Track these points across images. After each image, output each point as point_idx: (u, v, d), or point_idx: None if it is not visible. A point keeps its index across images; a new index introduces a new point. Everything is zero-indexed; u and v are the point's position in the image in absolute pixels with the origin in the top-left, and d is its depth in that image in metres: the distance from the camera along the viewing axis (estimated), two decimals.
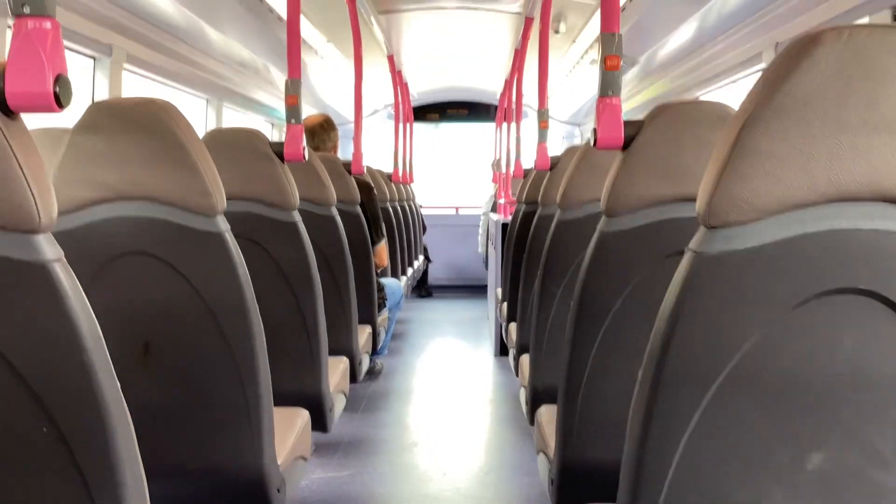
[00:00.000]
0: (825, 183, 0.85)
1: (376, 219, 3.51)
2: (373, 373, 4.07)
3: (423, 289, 7.41)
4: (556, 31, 4.50)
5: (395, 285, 4.14)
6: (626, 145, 1.43)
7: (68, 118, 1.42)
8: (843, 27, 0.83)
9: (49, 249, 0.85)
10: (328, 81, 5.88)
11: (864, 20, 2.29)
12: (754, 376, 0.89)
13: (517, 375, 2.80)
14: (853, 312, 0.87)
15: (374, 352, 3.56)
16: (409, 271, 5.55)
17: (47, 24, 0.85)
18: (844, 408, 0.89)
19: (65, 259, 0.86)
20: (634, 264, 1.46)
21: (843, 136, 0.83)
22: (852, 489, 0.91)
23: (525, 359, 2.55)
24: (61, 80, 0.85)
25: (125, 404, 0.90)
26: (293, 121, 2.21)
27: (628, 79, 4.95)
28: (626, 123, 1.43)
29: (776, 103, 0.84)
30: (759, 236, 0.87)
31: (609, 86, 1.55)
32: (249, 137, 2.01)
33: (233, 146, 1.99)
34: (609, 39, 1.57)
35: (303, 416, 1.95)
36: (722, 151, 0.87)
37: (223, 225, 1.45)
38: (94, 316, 0.87)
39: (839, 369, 0.89)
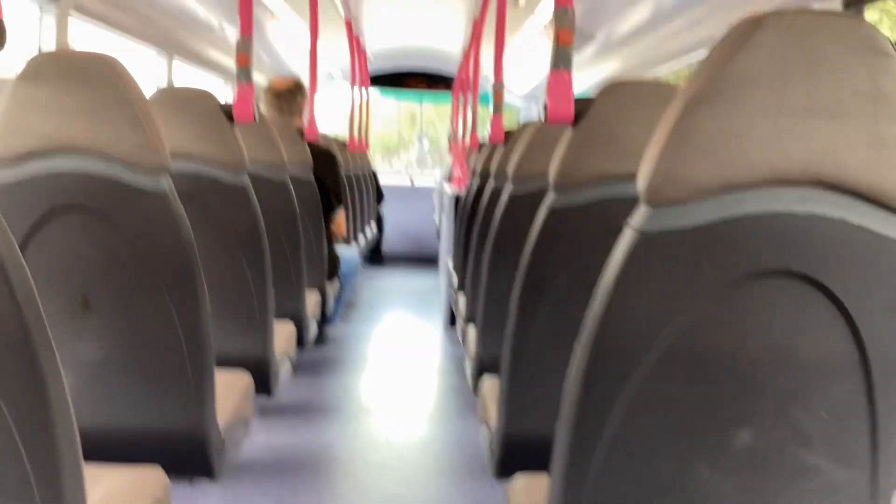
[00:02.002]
0: (763, 165, 0.86)
1: (337, 187, 3.48)
2: (322, 340, 4.06)
3: (375, 256, 7.39)
4: (516, 4, 4.48)
5: (351, 255, 4.13)
6: (577, 120, 1.44)
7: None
8: (785, 12, 0.84)
9: None
10: (285, 44, 5.77)
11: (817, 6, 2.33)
12: (686, 354, 0.91)
13: (464, 346, 2.82)
14: (785, 295, 0.90)
15: (326, 319, 3.54)
16: (361, 238, 5.53)
17: None
18: (772, 388, 0.92)
19: None
20: (580, 240, 1.48)
21: (781, 119, 0.85)
22: (776, 466, 0.94)
23: (472, 330, 2.57)
24: None
25: (59, 361, 0.89)
26: (244, 80, 2.17)
27: (585, 55, 4.96)
28: (577, 99, 1.44)
29: (717, 84, 0.85)
30: (696, 216, 0.88)
31: (561, 60, 1.56)
32: (198, 97, 1.97)
33: (181, 105, 1.95)
34: (562, 14, 1.58)
35: (245, 378, 1.94)
36: (663, 130, 0.89)
37: (167, 183, 1.43)
38: (27, 269, 0.85)
39: (769, 350, 0.91)
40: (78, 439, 0.93)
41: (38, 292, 0.87)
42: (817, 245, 0.88)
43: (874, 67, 0.84)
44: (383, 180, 7.60)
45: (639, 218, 0.91)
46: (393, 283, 6.45)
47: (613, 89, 1.42)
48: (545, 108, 1.50)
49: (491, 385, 1.95)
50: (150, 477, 1.30)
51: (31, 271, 0.87)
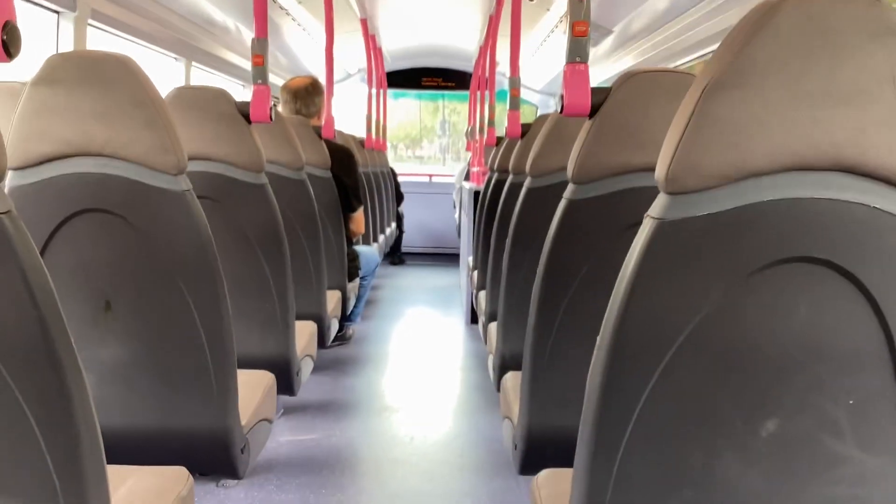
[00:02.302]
0: (783, 151, 0.85)
1: (356, 185, 3.48)
2: (344, 339, 4.07)
3: (395, 256, 7.40)
4: None
5: (371, 253, 4.13)
6: (594, 112, 1.43)
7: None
8: None
9: None
10: (301, 44, 5.79)
11: None
12: (710, 342, 0.90)
13: (486, 343, 2.82)
14: (809, 281, 0.88)
15: (346, 318, 3.54)
16: (381, 238, 5.54)
17: None
18: (798, 375, 0.90)
19: (15, 212, 0.84)
20: (600, 232, 1.47)
21: (801, 104, 0.84)
22: (805, 456, 0.93)
23: (494, 326, 2.56)
24: (9, 28, 0.82)
25: (80, 361, 0.89)
26: (259, 81, 2.18)
27: (603, 50, 4.93)
28: (594, 90, 1.42)
29: (736, 70, 0.84)
30: (718, 203, 0.87)
31: (577, 52, 1.55)
32: (214, 97, 1.98)
33: (197, 105, 1.96)
34: (577, 5, 1.56)
35: (268, 378, 1.94)
36: (682, 118, 0.88)
37: (185, 184, 1.43)
38: (46, 271, 0.86)
39: (794, 337, 0.90)
40: (100, 440, 0.94)
41: (59, 295, 0.88)
42: (839, 230, 0.87)
43: (893, 50, 0.83)
44: (405, 169, 7.59)
45: (658, 206, 0.90)
46: (413, 281, 6.45)
47: (629, 79, 1.41)
48: (561, 100, 1.49)
49: (513, 381, 1.94)
50: (175, 477, 1.31)
51: (52, 274, 0.87)
